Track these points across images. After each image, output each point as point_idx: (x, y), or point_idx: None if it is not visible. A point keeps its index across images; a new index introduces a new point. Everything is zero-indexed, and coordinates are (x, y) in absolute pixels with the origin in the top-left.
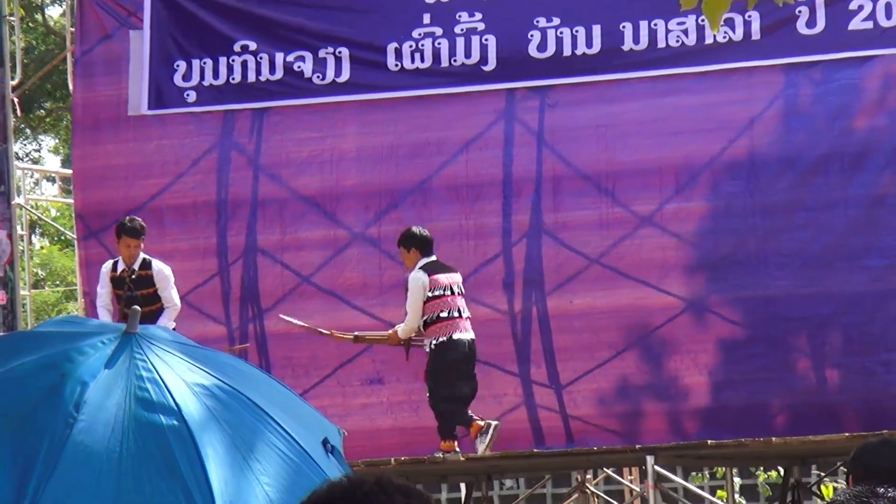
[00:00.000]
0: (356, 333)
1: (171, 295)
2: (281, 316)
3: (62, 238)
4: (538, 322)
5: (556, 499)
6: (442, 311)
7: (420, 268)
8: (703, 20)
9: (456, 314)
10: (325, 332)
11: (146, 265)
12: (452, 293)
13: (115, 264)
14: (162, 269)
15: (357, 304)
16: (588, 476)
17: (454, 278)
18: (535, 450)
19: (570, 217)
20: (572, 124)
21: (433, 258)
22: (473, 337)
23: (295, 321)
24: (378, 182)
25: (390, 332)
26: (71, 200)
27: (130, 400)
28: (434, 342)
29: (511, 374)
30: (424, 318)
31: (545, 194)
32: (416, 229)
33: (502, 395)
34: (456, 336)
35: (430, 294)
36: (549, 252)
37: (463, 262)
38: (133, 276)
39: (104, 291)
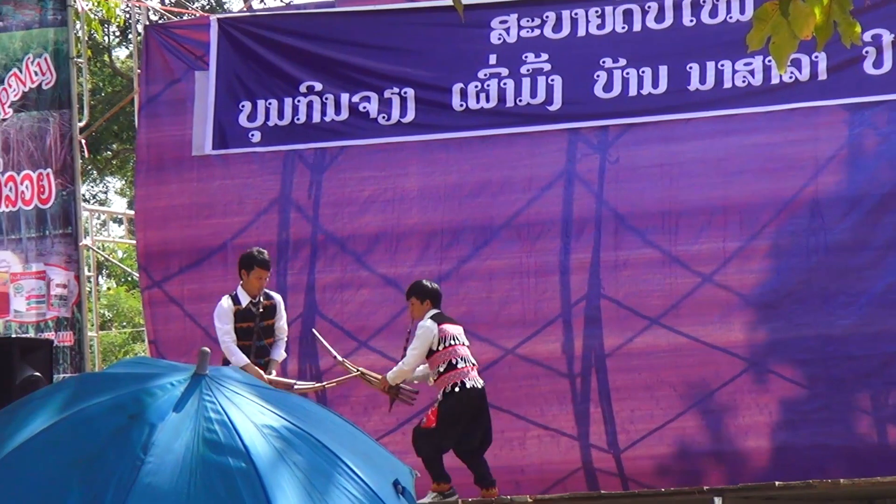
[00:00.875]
0: (361, 370)
1: (284, 325)
2: (314, 330)
3: (129, 279)
4: (595, 360)
5: None
6: (453, 358)
7: (430, 317)
8: (769, 60)
9: (465, 363)
10: (340, 359)
11: (268, 296)
12: (458, 342)
13: (234, 298)
14: (280, 299)
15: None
16: None
17: (458, 330)
18: (602, 492)
19: (631, 256)
20: (635, 164)
21: (440, 311)
22: (483, 384)
23: (324, 342)
24: (439, 221)
25: (381, 376)
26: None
27: (199, 442)
28: (447, 390)
29: (569, 437)
30: (438, 367)
31: (606, 235)
32: (427, 282)
33: (560, 460)
34: (468, 384)
35: (440, 345)
36: (605, 296)
37: (523, 300)
38: (261, 309)
39: (229, 328)
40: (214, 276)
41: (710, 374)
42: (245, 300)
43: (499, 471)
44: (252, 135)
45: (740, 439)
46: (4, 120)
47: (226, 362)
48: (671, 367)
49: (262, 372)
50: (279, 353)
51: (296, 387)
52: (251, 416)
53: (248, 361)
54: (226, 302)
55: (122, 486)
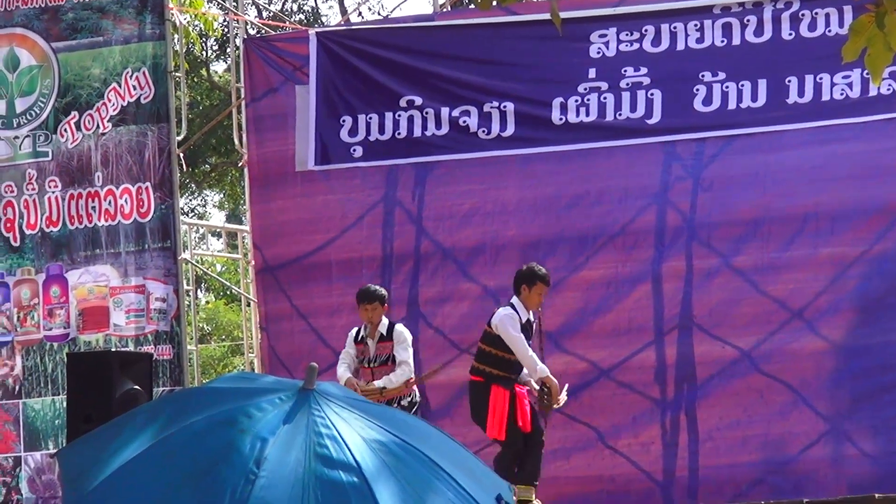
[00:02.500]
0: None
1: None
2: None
3: (227, 293)
4: (686, 370)
5: None
6: None
7: None
8: (867, 73)
9: None
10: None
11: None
12: None
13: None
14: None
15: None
16: None
17: None
18: None
19: (723, 265)
20: (730, 173)
21: None
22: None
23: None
24: (537, 233)
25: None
26: (237, 255)
27: (310, 456)
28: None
29: (656, 447)
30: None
31: (698, 244)
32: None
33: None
34: None
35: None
36: (698, 302)
37: (617, 310)
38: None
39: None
40: (319, 291)
41: (800, 383)
42: (524, 316)
43: (588, 480)
44: (354, 150)
45: (834, 449)
46: (104, 134)
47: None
48: (763, 375)
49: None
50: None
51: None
52: (359, 431)
53: (549, 373)
54: (512, 312)
55: (235, 501)
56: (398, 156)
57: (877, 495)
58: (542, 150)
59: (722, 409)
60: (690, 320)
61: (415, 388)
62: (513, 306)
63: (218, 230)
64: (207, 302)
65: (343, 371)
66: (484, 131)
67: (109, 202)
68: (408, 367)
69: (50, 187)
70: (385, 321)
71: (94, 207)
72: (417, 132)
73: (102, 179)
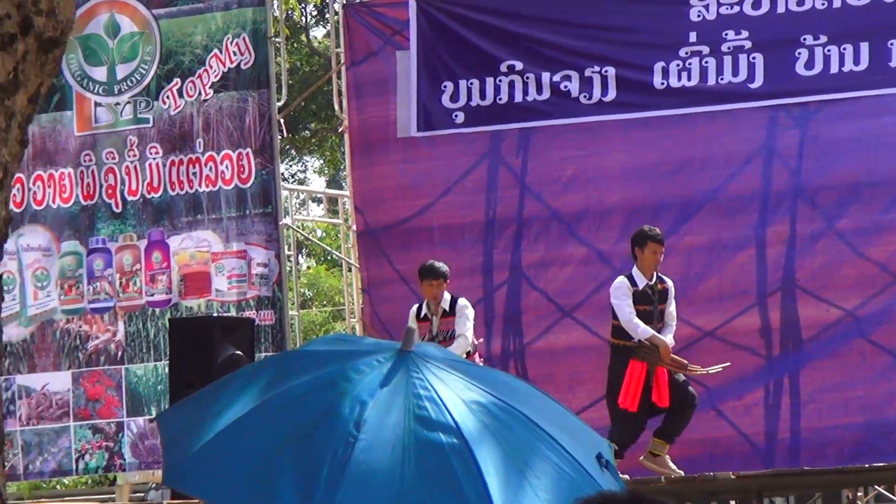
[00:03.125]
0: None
1: (674, 311)
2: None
3: (329, 258)
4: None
5: None
6: None
7: None
8: None
9: None
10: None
11: (661, 279)
12: None
13: (630, 278)
14: (672, 284)
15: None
16: (859, 493)
17: None
18: (805, 468)
19: (827, 230)
20: (833, 138)
21: None
22: None
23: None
24: (640, 199)
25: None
26: (338, 221)
27: (410, 419)
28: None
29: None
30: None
31: (802, 207)
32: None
33: (753, 433)
34: None
35: None
36: (801, 267)
37: (720, 274)
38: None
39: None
40: (421, 256)
41: None
42: (642, 282)
43: (694, 444)
44: (455, 115)
45: None
46: (205, 101)
47: None
48: (866, 340)
49: (667, 344)
50: (670, 339)
51: (688, 367)
52: (458, 392)
53: (654, 332)
54: (621, 280)
55: (336, 464)
56: (500, 121)
57: None
58: (643, 114)
59: (825, 372)
60: (794, 283)
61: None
62: (628, 275)
63: (318, 196)
64: (308, 267)
65: (646, 327)
66: (585, 96)
67: (210, 168)
68: (465, 340)
69: (151, 154)
70: (447, 296)
71: (195, 173)
72: (519, 97)
73: (203, 146)
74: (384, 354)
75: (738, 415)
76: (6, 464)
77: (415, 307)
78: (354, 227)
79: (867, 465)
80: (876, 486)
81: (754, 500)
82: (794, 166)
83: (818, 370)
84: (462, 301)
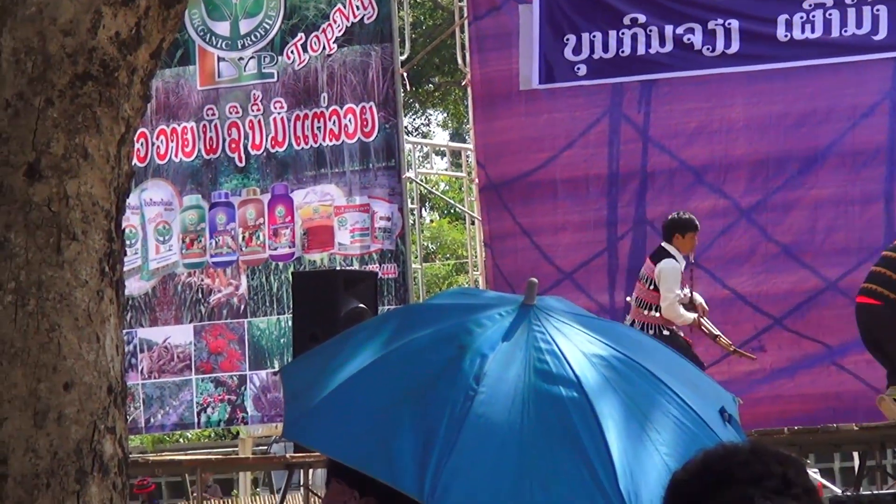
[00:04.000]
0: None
1: None
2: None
3: (452, 211)
4: None
5: None
6: None
7: None
8: None
9: None
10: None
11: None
12: None
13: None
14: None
15: (749, 280)
16: None
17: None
18: None
19: None
20: None
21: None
22: None
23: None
24: (765, 151)
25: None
26: (461, 174)
27: (530, 372)
28: None
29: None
30: None
31: None
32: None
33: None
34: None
35: None
36: None
37: (847, 228)
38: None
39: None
40: (543, 209)
41: None
42: (682, 264)
43: (815, 398)
44: (578, 68)
45: None
46: (329, 55)
47: None
48: None
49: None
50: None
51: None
52: (579, 346)
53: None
54: (674, 264)
55: (455, 418)
56: (622, 74)
57: None
58: (767, 66)
59: None
60: None
61: None
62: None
63: (442, 149)
64: (432, 220)
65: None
66: (709, 49)
67: (334, 122)
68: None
69: (275, 108)
70: None
71: (319, 128)
72: (641, 50)
73: (327, 100)
74: (506, 308)
75: (862, 369)
76: (128, 417)
77: (678, 266)
78: (477, 181)
79: None
80: None
81: (878, 450)
82: None
83: None
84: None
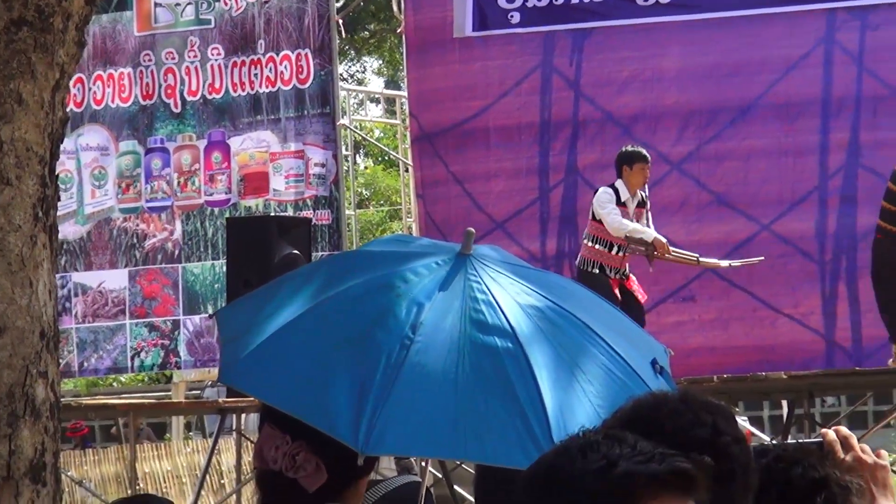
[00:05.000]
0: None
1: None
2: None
3: (386, 158)
4: (847, 240)
5: (878, 416)
6: None
7: None
8: None
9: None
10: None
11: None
12: None
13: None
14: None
15: (679, 229)
16: None
17: None
18: (857, 368)
19: (890, 138)
20: (893, 45)
21: None
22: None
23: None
24: (698, 101)
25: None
26: (395, 121)
27: (466, 322)
28: None
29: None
30: None
31: (864, 113)
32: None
33: (808, 340)
34: None
35: None
36: (864, 174)
37: (781, 179)
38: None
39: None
40: (476, 157)
41: None
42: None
43: (750, 351)
44: (511, 16)
45: None
46: (266, 2)
47: None
48: None
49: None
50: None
51: (700, 261)
52: (514, 296)
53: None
54: (605, 189)
55: (390, 366)
56: (556, 22)
57: None
58: (700, 16)
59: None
60: (854, 189)
61: None
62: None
63: (376, 96)
64: (366, 167)
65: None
66: None
67: (270, 69)
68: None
69: (212, 55)
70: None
71: (255, 74)
72: None
73: (264, 47)
74: (443, 257)
75: (796, 318)
76: (61, 361)
77: (609, 189)
78: (410, 130)
79: None
80: None
81: (806, 399)
82: (856, 70)
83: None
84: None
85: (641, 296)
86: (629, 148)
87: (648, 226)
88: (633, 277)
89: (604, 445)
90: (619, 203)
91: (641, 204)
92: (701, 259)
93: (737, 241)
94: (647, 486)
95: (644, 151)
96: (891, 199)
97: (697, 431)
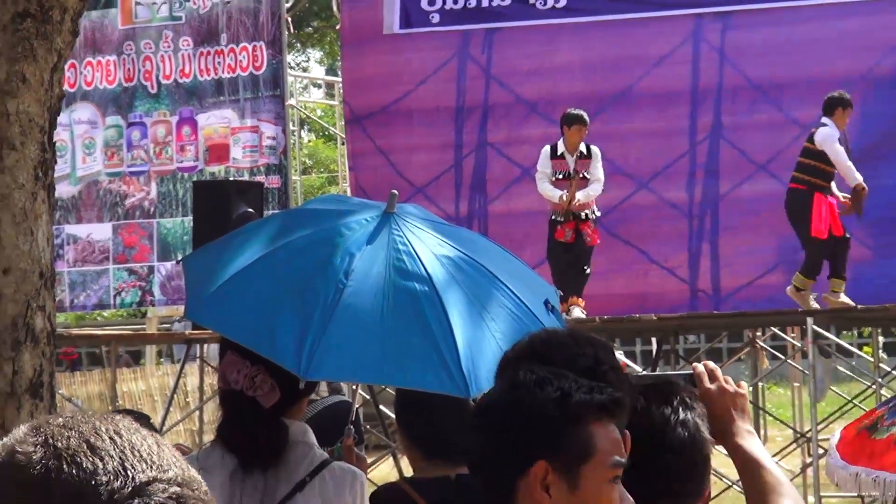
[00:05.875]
0: None
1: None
2: None
3: (326, 133)
4: (711, 206)
5: (731, 352)
6: None
7: None
8: None
9: None
10: None
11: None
12: None
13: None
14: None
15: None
16: (758, 333)
17: None
18: (714, 311)
19: (746, 121)
20: (749, 43)
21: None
22: None
23: None
24: (587, 90)
25: None
26: (334, 102)
27: (390, 269)
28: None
29: (682, 269)
30: None
31: (725, 101)
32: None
33: (675, 290)
34: None
35: None
36: (725, 150)
37: (655, 158)
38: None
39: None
40: (400, 133)
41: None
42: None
43: (629, 297)
44: (432, 16)
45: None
46: (227, 2)
47: None
48: (774, 210)
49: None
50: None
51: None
52: (431, 248)
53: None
54: (545, 147)
55: (328, 306)
56: (469, 22)
57: (859, 306)
58: (588, 19)
59: (740, 239)
60: (718, 164)
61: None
62: (553, 145)
63: (318, 81)
64: (309, 140)
65: (550, 189)
66: (541, 3)
67: (231, 58)
68: (600, 183)
69: (183, 45)
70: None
71: (219, 63)
72: (486, 3)
73: (226, 40)
74: (371, 214)
75: (666, 271)
76: (55, 298)
77: (548, 147)
78: (345, 111)
79: (764, 311)
80: (772, 328)
81: (672, 336)
82: (717, 68)
83: (734, 237)
84: (595, 148)
85: (591, 239)
86: (569, 111)
87: (594, 174)
88: (589, 222)
89: (554, 380)
90: (557, 156)
91: (583, 157)
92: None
93: (620, 199)
94: (595, 412)
95: (580, 114)
96: (805, 154)
97: (581, 361)
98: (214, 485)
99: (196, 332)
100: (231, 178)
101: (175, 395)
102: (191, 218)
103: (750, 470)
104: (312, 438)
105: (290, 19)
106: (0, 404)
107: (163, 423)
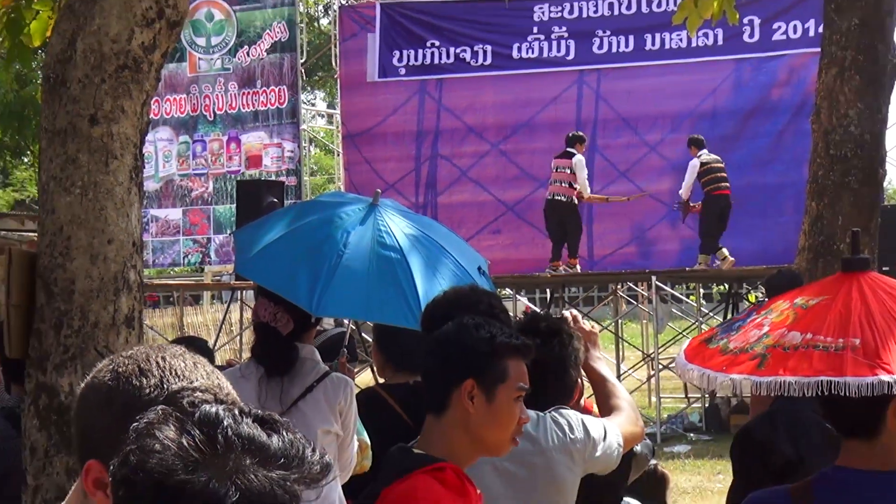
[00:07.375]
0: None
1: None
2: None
3: (327, 148)
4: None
5: (600, 299)
6: None
7: None
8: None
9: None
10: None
11: None
12: None
13: None
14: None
15: (492, 190)
16: (619, 286)
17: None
18: (589, 271)
19: (613, 142)
20: (617, 88)
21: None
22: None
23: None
24: (504, 120)
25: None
26: (332, 127)
27: (374, 243)
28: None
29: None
30: None
31: (599, 128)
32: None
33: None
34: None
35: None
36: (598, 162)
37: (549, 167)
38: None
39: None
40: (379, 148)
41: None
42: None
43: (529, 260)
44: (400, 70)
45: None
46: (261, 59)
47: None
48: (634, 202)
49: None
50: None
51: (609, 199)
52: (402, 229)
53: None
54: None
55: (331, 266)
56: (426, 74)
57: (686, 268)
58: (506, 73)
59: (612, 221)
60: (593, 171)
61: None
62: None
63: (323, 113)
64: (315, 153)
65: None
66: (474, 61)
67: (264, 97)
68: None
69: (231, 88)
70: None
71: (256, 99)
72: (437, 61)
73: (261, 84)
74: (361, 205)
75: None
76: (143, 259)
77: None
78: (341, 132)
79: (623, 271)
80: (628, 283)
81: (560, 288)
82: (594, 108)
83: (603, 222)
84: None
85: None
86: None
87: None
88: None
89: (486, 325)
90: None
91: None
92: (610, 197)
93: (523, 196)
94: (511, 351)
95: (581, 135)
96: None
97: (480, 308)
98: (250, 387)
99: (238, 282)
100: (263, 179)
101: (223, 326)
102: (235, 205)
103: (598, 382)
104: (318, 356)
105: (303, 70)
106: (106, 331)
107: (215, 345)
